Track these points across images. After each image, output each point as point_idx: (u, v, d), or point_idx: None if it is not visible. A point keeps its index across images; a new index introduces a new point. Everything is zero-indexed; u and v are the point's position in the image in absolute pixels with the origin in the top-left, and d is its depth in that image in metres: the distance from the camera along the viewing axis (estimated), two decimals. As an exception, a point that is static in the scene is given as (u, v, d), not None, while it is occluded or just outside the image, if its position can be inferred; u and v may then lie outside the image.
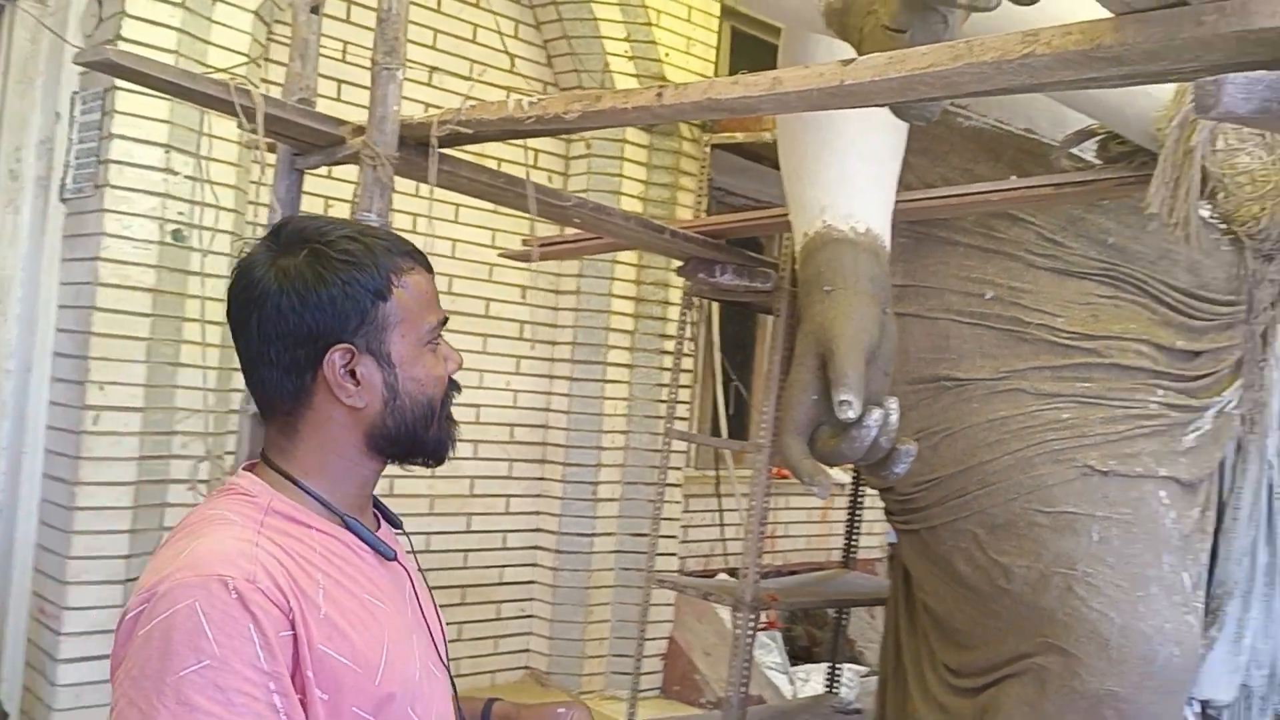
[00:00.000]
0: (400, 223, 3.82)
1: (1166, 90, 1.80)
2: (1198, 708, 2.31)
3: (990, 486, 2.23)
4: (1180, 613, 2.11)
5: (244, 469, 1.20)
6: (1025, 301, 2.27)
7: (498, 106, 1.69)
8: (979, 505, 2.25)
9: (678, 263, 2.90)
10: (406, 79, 3.74)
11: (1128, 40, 0.92)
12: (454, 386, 1.24)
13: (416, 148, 2.05)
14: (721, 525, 4.64)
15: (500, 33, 3.85)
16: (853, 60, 1.17)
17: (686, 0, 4.29)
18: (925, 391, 2.33)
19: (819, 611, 5.14)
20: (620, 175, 4.19)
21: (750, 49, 4.78)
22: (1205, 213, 1.83)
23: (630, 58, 4.15)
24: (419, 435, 1.21)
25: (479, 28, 3.94)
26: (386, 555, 1.20)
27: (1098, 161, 2.08)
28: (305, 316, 1.13)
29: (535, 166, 4.18)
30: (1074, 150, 2.14)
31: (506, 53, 3.91)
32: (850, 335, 1.86)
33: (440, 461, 1.25)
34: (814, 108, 1.34)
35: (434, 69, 3.85)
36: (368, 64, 2.03)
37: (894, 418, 1.86)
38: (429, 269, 1.24)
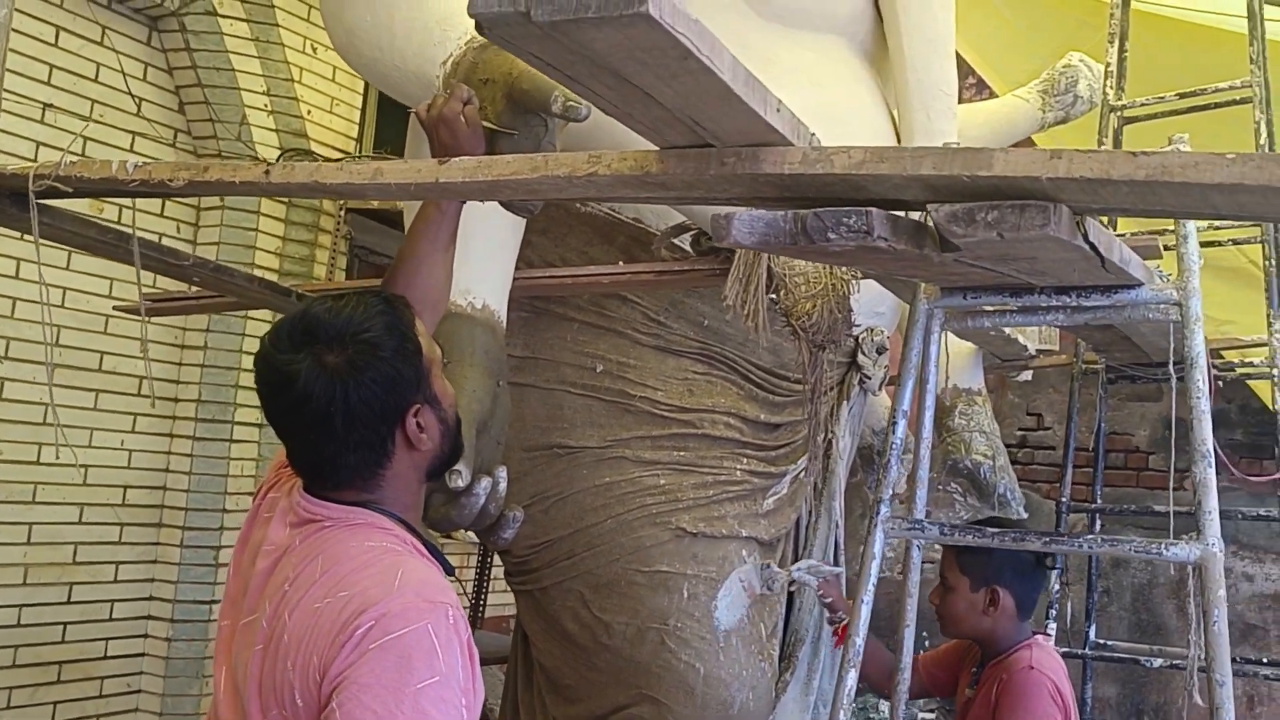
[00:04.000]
0: (4, 269, 3.53)
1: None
2: (773, 745, 2.57)
3: (595, 548, 2.38)
4: (756, 660, 2.36)
5: (319, 501, 1.31)
6: (631, 376, 2.46)
7: (101, 165, 1.65)
8: (585, 566, 2.40)
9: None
10: (16, 115, 3.50)
11: (669, 171, 1.08)
12: None
13: (12, 197, 1.93)
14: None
15: (124, 73, 3.67)
16: (448, 161, 1.27)
17: (331, 60, 4.28)
18: (540, 458, 2.46)
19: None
20: (256, 230, 4.09)
21: (397, 112, 4.83)
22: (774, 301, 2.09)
23: (270, 112, 4.08)
24: (457, 448, 1.44)
25: (102, 66, 3.74)
26: (450, 572, 1.37)
27: (692, 253, 2.31)
28: (383, 396, 1.28)
29: (163, 215, 3.99)
30: (674, 241, 2.36)
31: (130, 94, 3.72)
32: (462, 407, 1.93)
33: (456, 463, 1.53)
34: (413, 198, 1.43)
35: (48, 106, 3.60)
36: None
37: (502, 486, 1.96)
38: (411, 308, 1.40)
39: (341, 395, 1.25)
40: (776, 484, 2.55)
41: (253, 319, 4.03)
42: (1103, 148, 2.75)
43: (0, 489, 3.53)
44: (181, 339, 4.04)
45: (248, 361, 4.04)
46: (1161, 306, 1.51)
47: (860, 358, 2.70)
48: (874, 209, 0.96)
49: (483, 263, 2.17)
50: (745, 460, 2.50)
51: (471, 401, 1.97)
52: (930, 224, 1.10)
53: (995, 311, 1.69)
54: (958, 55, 6.94)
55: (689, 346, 2.50)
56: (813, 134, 1.09)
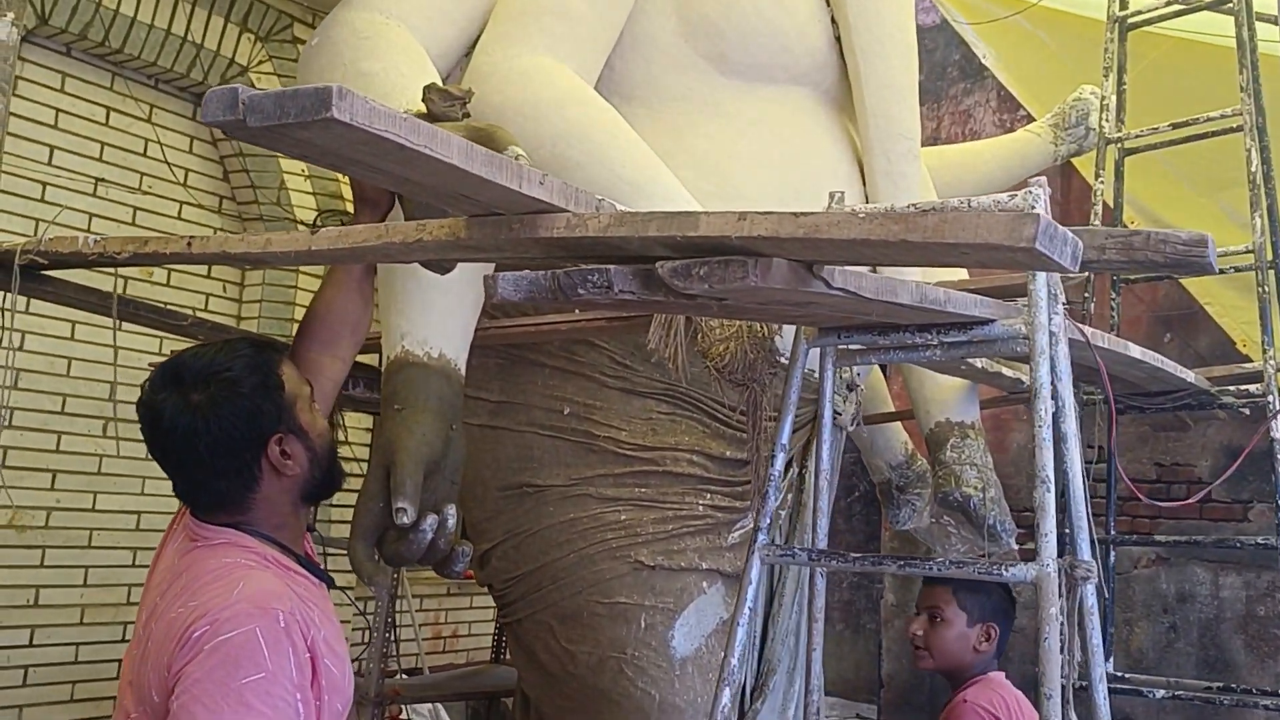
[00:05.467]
0: (59, 330, 3.85)
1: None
2: (744, 772, 2.64)
3: (560, 581, 2.51)
4: (714, 688, 2.44)
5: (201, 523, 1.50)
6: (596, 417, 2.59)
7: (70, 240, 1.86)
8: (552, 599, 2.53)
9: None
10: (71, 190, 3.81)
11: (474, 236, 1.22)
12: (332, 429, 1.65)
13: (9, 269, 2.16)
14: (395, 626, 4.74)
15: (162, 144, 3.97)
16: (319, 230, 1.44)
17: (366, 125, 4.55)
18: (512, 497, 2.60)
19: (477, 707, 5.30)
20: (295, 287, 4.36)
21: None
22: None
23: (307, 176, 4.35)
24: (333, 475, 1.62)
25: (150, 142, 4.05)
26: (330, 584, 1.60)
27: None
28: (244, 427, 1.46)
29: (209, 277, 4.29)
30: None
31: (168, 164, 4.02)
32: (411, 449, 2.10)
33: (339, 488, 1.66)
34: (295, 263, 1.59)
35: (100, 180, 3.92)
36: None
37: (451, 522, 2.10)
38: (283, 350, 1.64)
39: (204, 428, 1.44)
40: (742, 518, 2.64)
41: (293, 371, 4.28)
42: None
43: (59, 535, 3.82)
44: (228, 391, 4.31)
45: (289, 411, 4.33)
46: (1012, 341, 1.59)
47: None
48: (614, 267, 1.09)
49: (442, 314, 2.32)
50: (709, 495, 2.60)
51: (421, 445, 2.12)
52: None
53: (881, 349, 1.78)
54: (1007, 90, 6.93)
55: (654, 388, 2.62)
56: (600, 199, 1.22)
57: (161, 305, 4.00)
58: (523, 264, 1.32)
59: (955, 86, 7.79)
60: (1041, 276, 1.58)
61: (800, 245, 0.96)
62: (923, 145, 6.98)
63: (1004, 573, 1.49)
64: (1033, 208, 1.59)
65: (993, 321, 1.59)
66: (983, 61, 6.68)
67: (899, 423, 3.71)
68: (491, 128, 1.66)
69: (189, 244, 1.63)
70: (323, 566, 1.66)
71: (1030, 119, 6.00)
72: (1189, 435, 6.43)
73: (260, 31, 4.17)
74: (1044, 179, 1.65)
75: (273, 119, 0.90)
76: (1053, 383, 1.60)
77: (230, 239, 1.55)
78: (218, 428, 1.44)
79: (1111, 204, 3.77)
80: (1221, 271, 3.55)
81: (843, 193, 1.79)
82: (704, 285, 1.03)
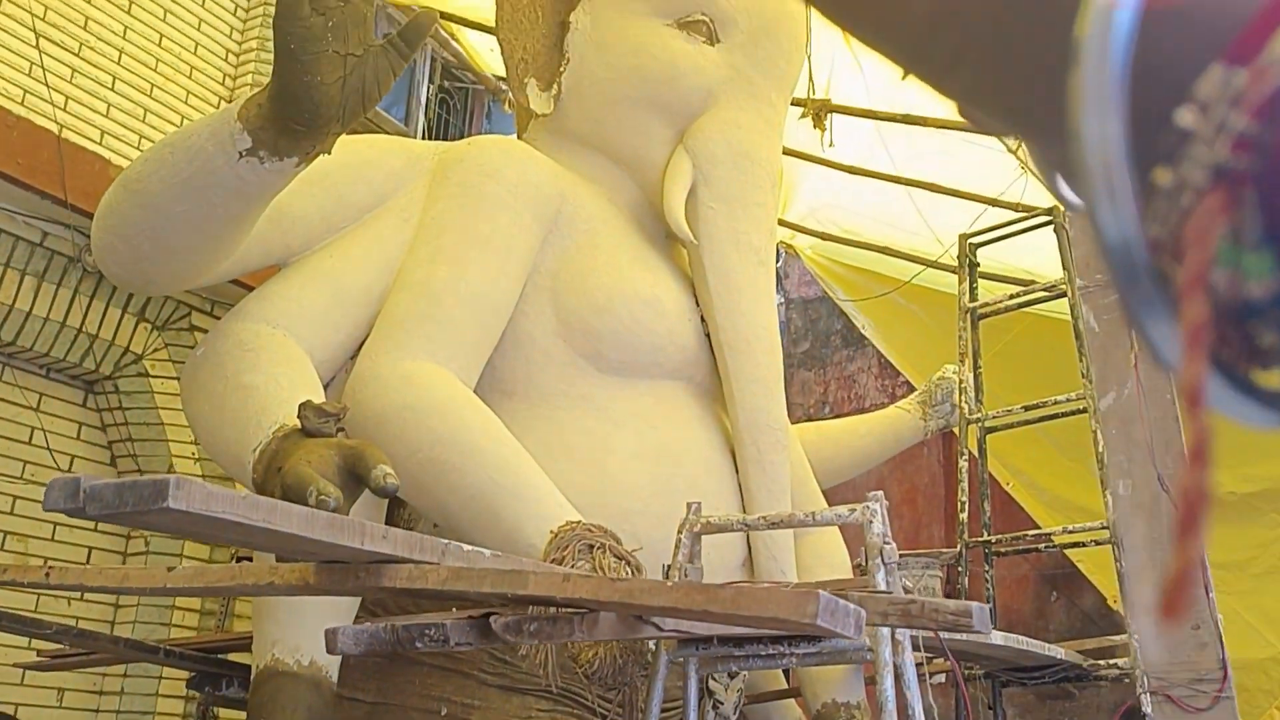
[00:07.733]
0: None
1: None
2: None
3: None
4: None
5: None
6: (475, 717, 2.56)
7: None
8: None
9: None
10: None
11: (324, 582, 1.27)
12: None
13: None
14: None
15: (48, 432, 3.97)
16: (175, 569, 1.46)
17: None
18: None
19: None
20: (180, 555, 4.26)
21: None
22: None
23: (196, 460, 4.35)
24: None
25: (35, 430, 4.04)
26: None
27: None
28: None
29: (96, 530, 4.18)
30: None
31: (49, 451, 4.00)
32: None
33: None
34: (152, 594, 1.60)
35: (-21, 470, 3.87)
36: None
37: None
38: None
39: None
40: (626, 815, 2.59)
41: (168, 674, 4.12)
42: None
43: None
44: (100, 685, 4.12)
45: (164, 705, 4.14)
46: (859, 651, 1.66)
47: (711, 684, 2.79)
48: (449, 621, 1.15)
49: (315, 622, 2.32)
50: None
51: (289, 760, 2.08)
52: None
53: (739, 658, 1.83)
54: (887, 360, 7.33)
55: (534, 684, 2.61)
56: (446, 544, 1.28)
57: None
58: (375, 602, 1.36)
59: (839, 354, 8.20)
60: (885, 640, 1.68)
61: (620, 606, 1.03)
62: (810, 408, 7.26)
63: None
64: (870, 522, 1.71)
65: (838, 636, 1.66)
66: (863, 332, 7.12)
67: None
68: (361, 446, 1.73)
69: (47, 574, 1.63)
70: None
71: (911, 385, 6.35)
72: (1084, 695, 6.50)
73: (157, 321, 4.27)
74: (880, 493, 1.76)
75: (112, 508, 0.96)
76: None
77: (89, 571, 1.57)
78: None
79: (980, 476, 3.96)
80: (1082, 545, 3.72)
81: (699, 503, 1.88)
82: (534, 640, 1.08)
